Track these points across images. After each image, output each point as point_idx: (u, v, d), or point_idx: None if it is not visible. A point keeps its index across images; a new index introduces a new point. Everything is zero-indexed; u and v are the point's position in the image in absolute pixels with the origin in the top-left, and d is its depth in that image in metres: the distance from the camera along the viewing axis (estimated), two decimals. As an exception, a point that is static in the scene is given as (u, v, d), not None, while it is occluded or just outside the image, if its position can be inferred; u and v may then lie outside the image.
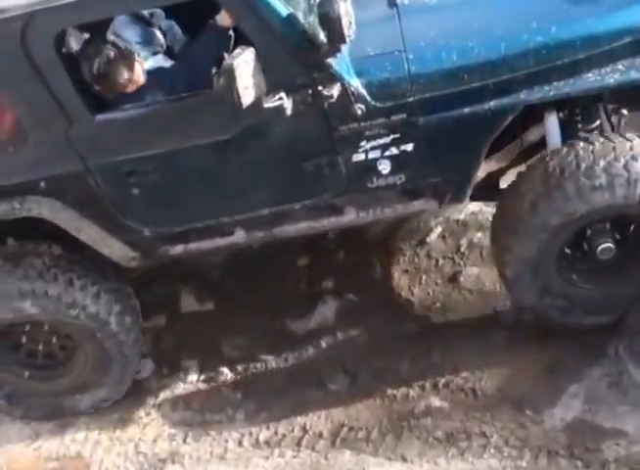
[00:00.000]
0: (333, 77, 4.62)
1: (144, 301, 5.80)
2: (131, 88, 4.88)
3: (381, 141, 4.83)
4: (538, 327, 5.38)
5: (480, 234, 5.93)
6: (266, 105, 4.58)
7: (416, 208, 5.16)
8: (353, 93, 4.64)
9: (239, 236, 5.20)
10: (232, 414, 5.43)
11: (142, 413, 5.55)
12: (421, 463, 4.95)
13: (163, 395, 5.64)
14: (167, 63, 5.17)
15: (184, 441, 5.35)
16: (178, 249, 5.26)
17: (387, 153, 4.87)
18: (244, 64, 4.41)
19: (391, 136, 4.81)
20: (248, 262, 6.15)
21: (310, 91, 4.64)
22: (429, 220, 6.07)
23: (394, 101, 4.73)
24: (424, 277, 5.81)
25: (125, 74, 4.83)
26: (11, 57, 4.60)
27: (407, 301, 5.75)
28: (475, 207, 6.04)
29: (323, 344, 5.65)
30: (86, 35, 4.99)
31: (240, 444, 5.26)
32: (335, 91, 4.61)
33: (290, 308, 5.90)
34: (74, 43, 4.95)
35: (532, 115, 4.97)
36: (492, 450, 4.90)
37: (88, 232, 5.10)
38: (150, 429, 5.45)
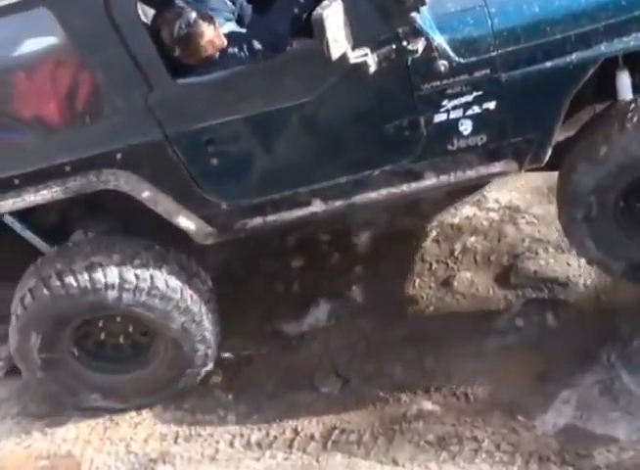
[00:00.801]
0: (417, 32, 4.61)
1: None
2: (211, 51, 4.82)
3: (463, 99, 4.80)
4: (531, 332, 5.41)
5: (473, 238, 5.94)
6: (352, 60, 4.56)
7: (497, 170, 5.08)
8: (437, 48, 4.63)
9: (316, 206, 5.12)
10: (223, 415, 5.41)
11: (133, 413, 5.51)
12: (412, 467, 4.93)
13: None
14: (240, 30, 5.11)
15: (175, 441, 5.33)
16: (256, 222, 5.16)
17: (468, 112, 4.84)
18: (333, 15, 4.39)
19: (474, 94, 4.79)
20: (240, 264, 6.15)
21: (394, 46, 4.62)
22: (423, 224, 6.08)
23: (477, 56, 4.72)
24: (417, 281, 5.81)
25: (207, 36, 4.79)
26: (93, 20, 4.59)
27: (400, 304, 5.75)
28: (469, 211, 6.06)
29: (316, 346, 5.64)
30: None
31: (231, 445, 5.24)
32: (419, 46, 4.59)
33: (282, 310, 5.89)
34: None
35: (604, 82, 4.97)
36: (484, 455, 4.89)
37: (165, 205, 5.02)
38: (141, 429, 5.43)
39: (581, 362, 5.19)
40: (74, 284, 5.02)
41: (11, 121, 4.94)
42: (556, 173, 5.19)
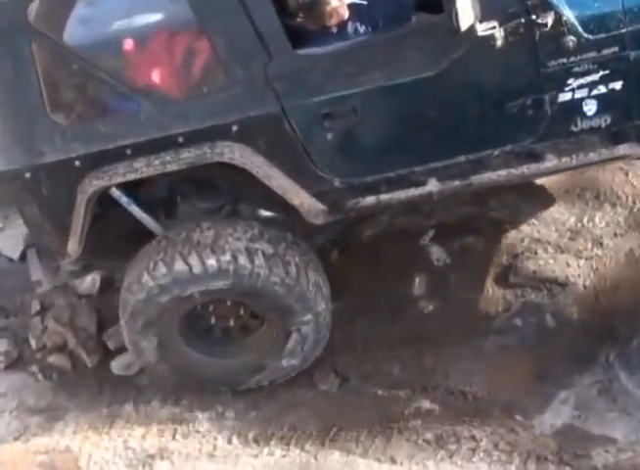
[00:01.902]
0: (546, 5, 4.57)
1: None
2: (335, 20, 4.79)
3: (589, 78, 4.74)
4: (529, 333, 5.42)
5: (472, 238, 5.94)
6: (480, 33, 4.52)
7: (620, 153, 4.99)
8: (566, 23, 4.58)
9: (432, 185, 5.00)
10: (222, 412, 5.40)
11: (131, 409, 5.52)
12: (410, 465, 4.94)
13: (153, 390, 5.60)
14: (361, 1, 5.04)
15: (173, 437, 5.31)
16: (369, 200, 5.05)
17: (594, 92, 4.78)
18: None
19: (600, 73, 4.72)
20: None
21: (523, 20, 4.58)
22: (423, 223, 6.08)
23: (606, 33, 4.66)
24: (417, 280, 5.81)
25: (332, 4, 4.76)
26: None
27: (399, 304, 5.74)
28: (468, 210, 6.06)
29: (315, 344, 5.64)
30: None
31: (229, 441, 5.23)
32: (548, 20, 4.55)
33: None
34: None
35: None
36: (481, 454, 4.89)
37: (279, 180, 4.93)
38: (139, 425, 5.41)
39: (580, 363, 5.21)
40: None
41: (125, 90, 4.90)
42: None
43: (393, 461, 4.97)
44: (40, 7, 4.71)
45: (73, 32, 4.84)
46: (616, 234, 5.74)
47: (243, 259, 4.95)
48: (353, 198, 5.03)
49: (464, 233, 5.97)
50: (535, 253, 5.79)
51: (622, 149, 4.95)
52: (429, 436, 5.04)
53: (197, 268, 4.95)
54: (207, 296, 5.06)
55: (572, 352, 5.27)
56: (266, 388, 5.43)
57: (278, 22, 4.65)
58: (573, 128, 4.86)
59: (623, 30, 4.63)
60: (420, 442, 5.03)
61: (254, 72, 4.73)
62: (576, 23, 4.60)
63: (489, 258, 5.85)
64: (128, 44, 4.85)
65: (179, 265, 4.96)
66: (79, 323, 5.87)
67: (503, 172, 4.97)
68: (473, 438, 4.97)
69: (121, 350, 5.69)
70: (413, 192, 5.02)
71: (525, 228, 5.96)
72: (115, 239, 5.32)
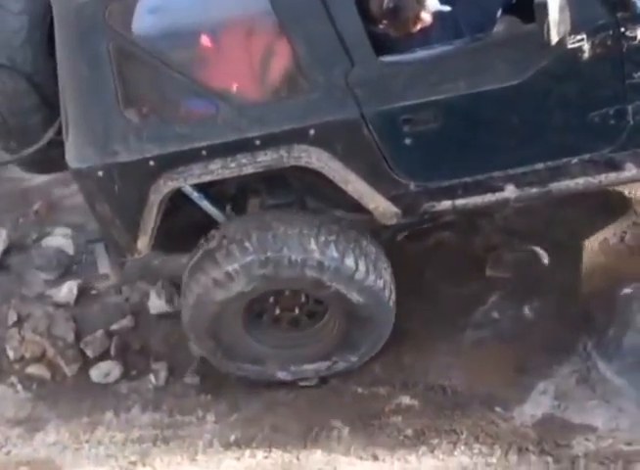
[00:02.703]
0: (637, 18, 4.56)
1: (112, 303, 5.81)
2: (418, 26, 4.78)
3: None
4: (507, 325, 5.44)
5: (447, 233, 5.95)
6: (569, 45, 4.53)
7: None
8: None
9: (510, 192, 5.00)
10: (202, 416, 5.40)
11: (111, 416, 5.50)
12: (392, 461, 4.93)
13: (133, 397, 5.61)
14: (445, 7, 5.02)
15: (154, 443, 5.29)
16: (444, 205, 5.06)
17: None
18: None
19: None
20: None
21: (611, 32, 4.58)
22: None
23: None
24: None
25: (416, 11, 4.75)
26: None
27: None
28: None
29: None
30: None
31: (211, 445, 5.20)
32: (638, 32, 4.55)
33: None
34: None
35: None
36: (462, 447, 4.89)
37: (355, 185, 4.94)
38: (120, 432, 5.40)
39: (558, 353, 5.23)
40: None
41: (203, 92, 4.88)
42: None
43: (375, 458, 4.96)
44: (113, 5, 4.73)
45: (142, 24, 4.83)
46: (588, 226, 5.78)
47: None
48: (429, 202, 5.06)
49: (438, 228, 5.99)
50: (511, 244, 5.82)
51: None
52: (409, 431, 5.03)
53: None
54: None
55: (550, 343, 5.28)
56: (246, 389, 5.43)
57: (362, 28, 4.66)
58: None
59: None
60: (401, 437, 5.03)
61: (336, 78, 4.73)
62: None
63: (465, 251, 5.88)
64: (205, 42, 4.84)
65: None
66: (57, 332, 5.85)
67: (581, 180, 4.98)
68: (453, 431, 4.97)
69: (101, 357, 5.69)
70: (490, 198, 5.04)
71: (499, 220, 5.98)
72: (184, 233, 5.32)
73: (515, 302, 5.55)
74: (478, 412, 5.06)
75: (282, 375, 5.39)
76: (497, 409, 5.06)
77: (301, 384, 5.41)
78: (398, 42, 4.81)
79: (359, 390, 5.32)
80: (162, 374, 5.69)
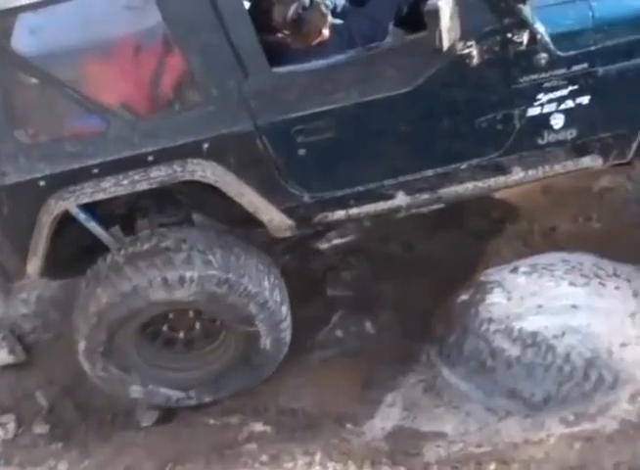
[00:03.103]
0: (523, 24, 4.61)
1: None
2: (318, 39, 4.77)
3: (558, 93, 4.81)
4: (351, 342, 5.52)
5: (287, 257, 6.00)
6: (459, 51, 4.56)
7: (583, 165, 5.09)
8: (540, 41, 4.63)
9: (401, 200, 5.05)
10: (54, 465, 5.29)
11: (-40, 475, 5.36)
12: (249, 488, 4.95)
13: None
14: (336, 20, 5.02)
15: (5, 499, 5.20)
16: (337, 215, 5.06)
17: (562, 106, 4.86)
18: (445, 5, 4.35)
19: (569, 88, 4.81)
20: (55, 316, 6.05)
21: (499, 38, 4.63)
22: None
23: (577, 50, 4.74)
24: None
25: (319, 24, 4.73)
26: (193, 3, 4.48)
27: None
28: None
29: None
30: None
31: (65, 493, 5.15)
32: (524, 38, 4.59)
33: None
34: None
35: None
36: (317, 467, 4.89)
37: (249, 198, 4.87)
38: (-31, 491, 5.27)
39: (403, 364, 5.30)
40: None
41: (93, 108, 4.75)
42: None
43: (233, 487, 4.97)
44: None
45: (26, 43, 4.72)
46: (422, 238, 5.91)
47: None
48: (322, 212, 5.08)
49: (279, 253, 6.05)
50: (349, 263, 5.90)
51: (586, 161, 5.09)
52: (264, 457, 5.01)
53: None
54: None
55: (395, 355, 5.36)
56: (96, 434, 5.35)
57: (256, 39, 4.63)
58: (540, 142, 4.99)
59: (593, 48, 4.76)
60: (257, 464, 4.99)
61: (229, 90, 4.69)
62: (549, 40, 4.71)
63: (304, 274, 5.93)
64: (98, 58, 4.75)
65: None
66: None
67: (470, 185, 5.07)
68: (307, 453, 4.97)
69: None
70: (382, 206, 5.08)
71: (337, 241, 6.07)
72: (73, 256, 5.19)
73: (356, 319, 5.62)
74: (330, 431, 5.09)
75: (135, 390, 5.26)
76: (348, 426, 5.10)
77: (144, 424, 5.37)
78: (293, 54, 4.83)
79: (211, 421, 5.28)
80: (11, 426, 5.56)
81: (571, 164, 5.09)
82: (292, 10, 4.77)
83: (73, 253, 5.19)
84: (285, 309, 5.12)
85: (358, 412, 5.15)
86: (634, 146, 5.06)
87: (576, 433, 4.77)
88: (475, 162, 5.02)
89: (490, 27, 4.66)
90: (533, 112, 4.89)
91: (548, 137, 4.98)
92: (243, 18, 4.62)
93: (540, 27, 4.70)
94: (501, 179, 5.08)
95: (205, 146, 4.76)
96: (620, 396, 4.83)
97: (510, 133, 4.93)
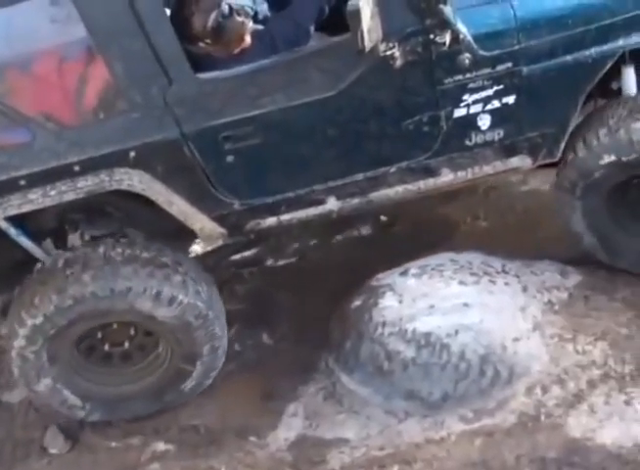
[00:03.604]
0: (445, 24, 4.57)
1: None
2: (240, 46, 4.72)
3: (484, 94, 4.80)
4: (250, 355, 5.53)
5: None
6: (381, 53, 4.52)
7: (512, 165, 5.08)
8: (463, 41, 4.59)
9: (331, 205, 5.02)
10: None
11: None
12: (155, 509, 4.92)
13: None
14: (257, 26, 4.95)
15: None
16: (269, 222, 5.02)
17: (488, 107, 4.85)
18: (366, 5, 4.29)
19: (495, 88, 4.79)
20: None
21: (421, 39, 4.60)
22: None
23: (501, 49, 4.73)
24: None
25: (240, 31, 4.67)
26: (114, 10, 4.38)
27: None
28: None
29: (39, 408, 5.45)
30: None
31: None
32: (447, 38, 4.55)
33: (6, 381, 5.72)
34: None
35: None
36: (218, 482, 4.93)
37: (179, 206, 4.79)
38: None
39: (302, 374, 5.33)
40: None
41: (17, 118, 4.65)
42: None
43: (138, 509, 4.93)
44: None
45: None
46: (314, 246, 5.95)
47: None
48: (253, 219, 5.04)
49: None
50: (242, 276, 5.91)
51: (515, 161, 5.11)
52: (170, 476, 5.03)
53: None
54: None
55: (294, 365, 5.38)
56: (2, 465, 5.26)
57: (178, 45, 4.57)
58: (468, 143, 4.99)
59: (517, 47, 4.77)
60: (162, 484, 5.02)
61: (154, 97, 4.63)
62: (472, 40, 4.70)
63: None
64: (20, 68, 4.68)
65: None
66: None
67: (400, 189, 5.06)
68: (212, 468, 4.98)
69: None
70: (313, 211, 5.07)
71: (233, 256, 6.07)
72: (5, 270, 5.12)
73: (253, 331, 5.63)
74: (233, 445, 5.08)
75: (44, 383, 5.13)
76: (252, 439, 5.10)
77: (51, 451, 5.28)
78: (217, 61, 4.78)
79: (113, 444, 5.23)
80: None
81: (500, 165, 5.13)
82: (211, 18, 4.70)
83: (8, 267, 5.15)
84: (221, 360, 5.16)
85: (261, 424, 5.15)
86: (562, 145, 5.11)
87: (476, 429, 4.84)
88: (404, 164, 5.03)
89: (412, 28, 4.66)
90: (460, 113, 4.91)
91: (476, 138, 5.00)
92: (164, 23, 4.58)
93: (463, 28, 4.71)
94: (430, 181, 5.09)
95: (132, 154, 4.72)
96: (517, 389, 4.92)
97: (437, 135, 4.95)
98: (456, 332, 4.99)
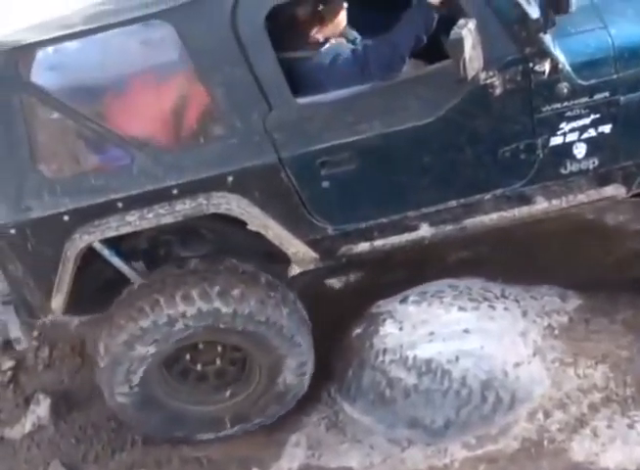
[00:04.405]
0: (544, 53, 4.57)
1: None
2: (332, 33, 4.81)
3: (580, 122, 4.76)
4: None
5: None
6: (482, 81, 4.52)
7: (606, 194, 5.01)
8: (562, 70, 4.60)
9: (424, 231, 4.99)
10: None
11: None
12: None
13: None
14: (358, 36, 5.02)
15: None
16: (362, 247, 5.00)
17: (584, 135, 4.80)
18: (469, 34, 4.30)
19: (591, 117, 4.75)
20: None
21: (521, 68, 4.59)
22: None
23: (599, 78, 4.70)
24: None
25: (340, 16, 4.78)
26: (217, 36, 4.43)
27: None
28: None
29: (42, 443, 5.48)
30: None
31: None
32: (546, 67, 4.55)
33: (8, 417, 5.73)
34: None
35: None
36: (226, 514, 4.93)
37: (274, 230, 4.80)
38: None
39: (304, 404, 5.31)
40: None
41: (117, 142, 4.69)
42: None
43: None
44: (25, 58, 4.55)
45: (45, 79, 4.65)
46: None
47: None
48: (346, 244, 5.03)
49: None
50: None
51: (609, 190, 5.05)
52: (173, 508, 5.02)
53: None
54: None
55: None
56: None
57: (280, 71, 4.60)
58: (563, 171, 4.95)
59: (615, 76, 4.75)
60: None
61: (253, 123, 4.64)
62: (571, 69, 4.70)
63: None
64: (121, 91, 4.71)
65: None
66: None
67: (495, 216, 5.03)
68: (215, 500, 5.00)
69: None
70: (406, 237, 5.04)
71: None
72: (96, 291, 5.10)
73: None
74: (236, 476, 5.09)
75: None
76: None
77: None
78: (312, 69, 4.79)
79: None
80: None
81: (594, 194, 5.06)
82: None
83: (96, 288, 5.14)
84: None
85: (264, 455, 5.15)
86: None
87: (480, 455, 4.85)
88: (499, 192, 4.99)
89: (512, 57, 4.66)
90: (556, 141, 4.87)
91: (571, 166, 4.96)
92: (266, 51, 4.59)
93: (561, 57, 4.70)
94: (525, 209, 5.06)
95: (230, 179, 4.73)
96: (519, 415, 4.93)
97: (533, 163, 4.92)
98: (457, 358, 4.99)
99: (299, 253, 5.00)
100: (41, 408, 5.63)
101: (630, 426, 4.72)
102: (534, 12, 4.60)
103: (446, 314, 5.17)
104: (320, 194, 4.87)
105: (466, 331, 5.09)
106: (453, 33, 4.36)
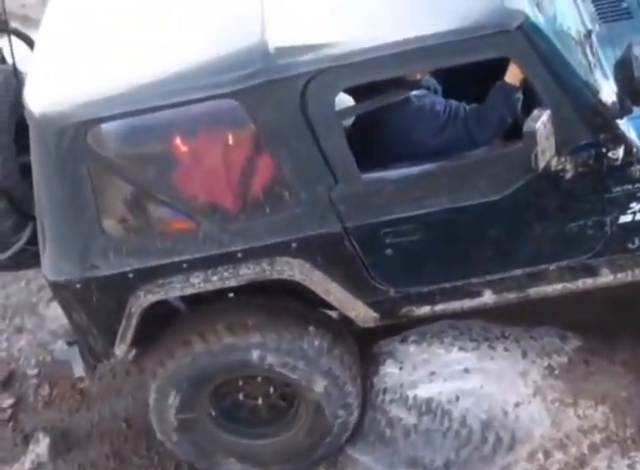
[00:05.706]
0: (619, 138, 4.55)
1: None
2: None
3: None
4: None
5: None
6: (554, 168, 4.52)
7: None
8: (636, 154, 4.58)
9: (487, 297, 4.97)
10: None
11: None
12: None
13: None
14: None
15: None
16: (423, 310, 5.00)
17: None
18: (543, 127, 4.31)
19: None
20: None
21: (594, 152, 4.57)
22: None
23: None
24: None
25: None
26: (286, 116, 4.46)
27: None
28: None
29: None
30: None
31: None
32: (620, 152, 4.54)
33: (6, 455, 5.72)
34: None
35: None
36: None
37: (336, 294, 4.83)
38: None
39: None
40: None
41: (183, 208, 4.75)
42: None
43: None
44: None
45: (113, 150, 4.78)
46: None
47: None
48: (407, 306, 5.03)
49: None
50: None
51: None
52: None
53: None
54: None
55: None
56: None
57: (347, 147, 4.60)
58: (630, 246, 4.92)
59: None
60: None
61: (319, 195, 4.66)
62: None
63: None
64: (192, 161, 4.75)
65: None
66: None
67: (559, 286, 5.02)
68: None
69: None
70: (468, 303, 5.03)
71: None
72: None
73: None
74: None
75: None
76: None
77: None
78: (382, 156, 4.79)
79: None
80: None
81: None
82: None
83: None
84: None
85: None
86: None
87: (480, 496, 4.86)
88: (564, 263, 4.99)
89: (585, 142, 4.63)
90: (625, 219, 4.85)
91: (638, 242, 4.94)
92: (335, 128, 4.61)
93: (636, 141, 4.64)
94: (589, 281, 5.04)
95: (294, 245, 4.76)
96: (519, 455, 4.92)
97: (600, 238, 4.90)
98: (457, 398, 5.01)
99: (360, 314, 5.02)
100: (40, 446, 5.64)
101: (630, 467, 4.73)
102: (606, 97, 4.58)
103: (447, 354, 5.19)
104: (383, 260, 4.88)
105: (466, 371, 5.10)
106: (527, 126, 4.36)
